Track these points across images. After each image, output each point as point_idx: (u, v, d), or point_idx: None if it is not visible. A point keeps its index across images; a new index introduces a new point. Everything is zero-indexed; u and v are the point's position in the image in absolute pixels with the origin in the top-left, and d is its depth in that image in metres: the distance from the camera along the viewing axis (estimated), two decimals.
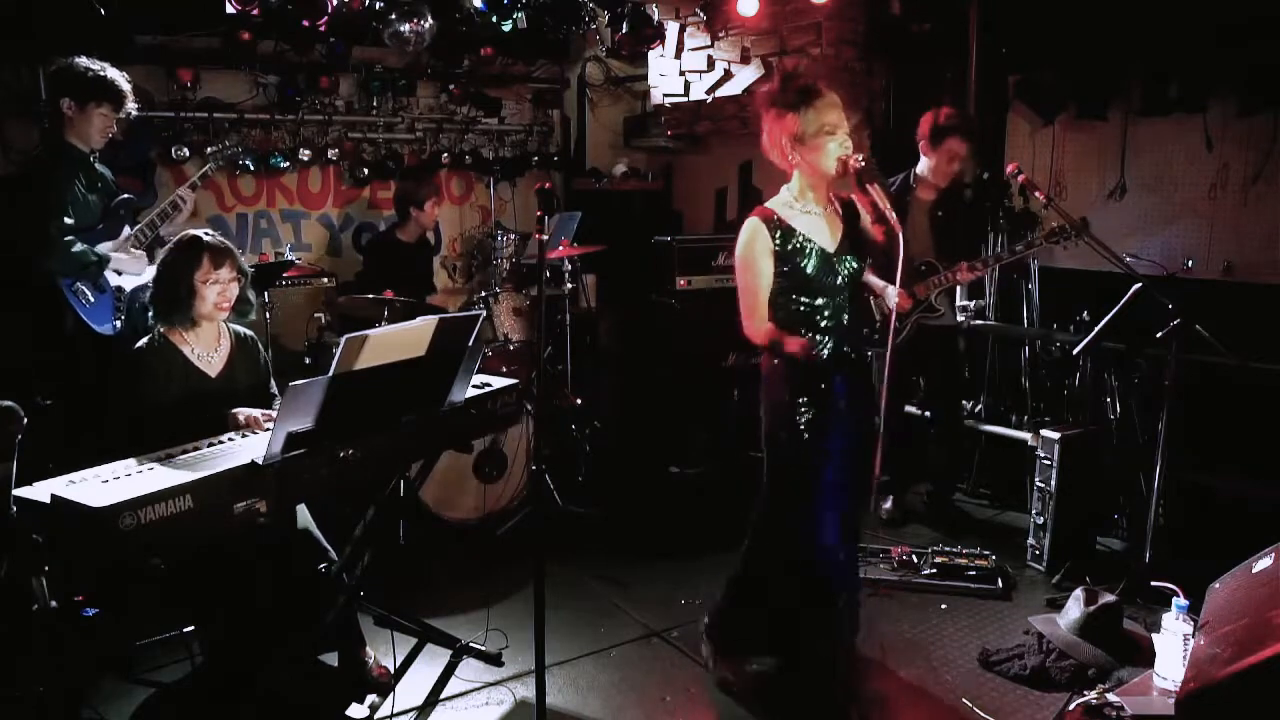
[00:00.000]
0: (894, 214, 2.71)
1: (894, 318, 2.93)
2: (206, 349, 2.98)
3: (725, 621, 3.18)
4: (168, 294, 2.89)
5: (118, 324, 3.67)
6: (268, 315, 4.53)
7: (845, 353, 2.92)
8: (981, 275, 4.34)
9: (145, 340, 2.91)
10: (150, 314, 2.94)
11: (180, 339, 2.93)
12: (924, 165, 4.29)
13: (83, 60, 3.59)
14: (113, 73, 3.64)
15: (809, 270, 2.84)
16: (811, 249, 2.85)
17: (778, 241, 2.83)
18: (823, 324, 2.88)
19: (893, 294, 4.11)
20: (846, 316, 2.93)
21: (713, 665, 3.19)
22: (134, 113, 3.82)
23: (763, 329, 2.87)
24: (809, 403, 2.86)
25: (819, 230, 2.89)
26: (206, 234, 2.96)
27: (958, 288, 4.88)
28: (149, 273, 3.81)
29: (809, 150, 2.79)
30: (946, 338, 4.43)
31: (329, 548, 3.00)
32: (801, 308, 2.87)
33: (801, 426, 2.86)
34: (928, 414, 4.69)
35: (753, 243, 2.84)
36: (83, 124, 3.61)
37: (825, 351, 2.88)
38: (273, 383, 3.16)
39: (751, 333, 2.90)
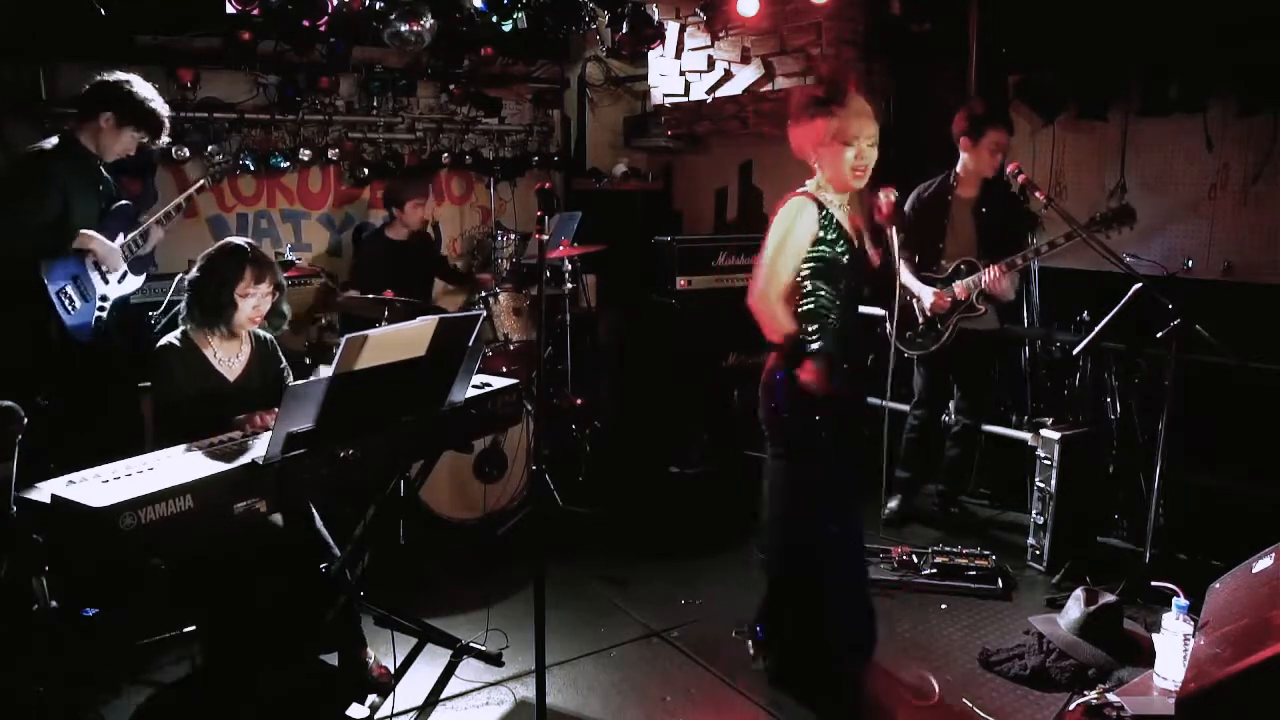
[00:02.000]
0: (896, 259, 2.76)
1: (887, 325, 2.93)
2: (229, 354, 3.00)
3: (765, 622, 3.19)
4: (209, 301, 2.89)
5: (91, 335, 3.65)
6: None
7: (840, 359, 2.90)
8: (1018, 270, 4.21)
9: (169, 338, 2.92)
10: (186, 312, 2.94)
11: (204, 341, 2.94)
12: (964, 162, 4.26)
13: (137, 84, 3.64)
14: (161, 105, 3.70)
15: (844, 259, 2.87)
16: (845, 237, 2.89)
17: (822, 224, 2.85)
18: (830, 319, 2.89)
19: (928, 295, 4.13)
20: (846, 320, 2.92)
21: (761, 665, 3.18)
22: (161, 145, 3.88)
23: (782, 322, 2.84)
24: (811, 409, 2.86)
25: (853, 228, 2.94)
26: (249, 244, 2.96)
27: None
28: (132, 282, 3.82)
29: (827, 156, 2.84)
30: (983, 342, 4.39)
31: (334, 546, 3.00)
32: (823, 296, 2.87)
33: (819, 432, 2.87)
34: (950, 416, 4.66)
35: (797, 220, 2.84)
36: (110, 138, 3.64)
37: (820, 348, 2.86)
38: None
39: (761, 309, 2.87)
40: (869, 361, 4.38)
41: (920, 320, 4.27)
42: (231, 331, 2.96)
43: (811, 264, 2.86)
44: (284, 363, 3.20)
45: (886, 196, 2.81)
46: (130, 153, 3.76)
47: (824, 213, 2.86)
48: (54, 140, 3.65)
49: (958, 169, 4.30)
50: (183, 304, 2.95)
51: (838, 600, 3.01)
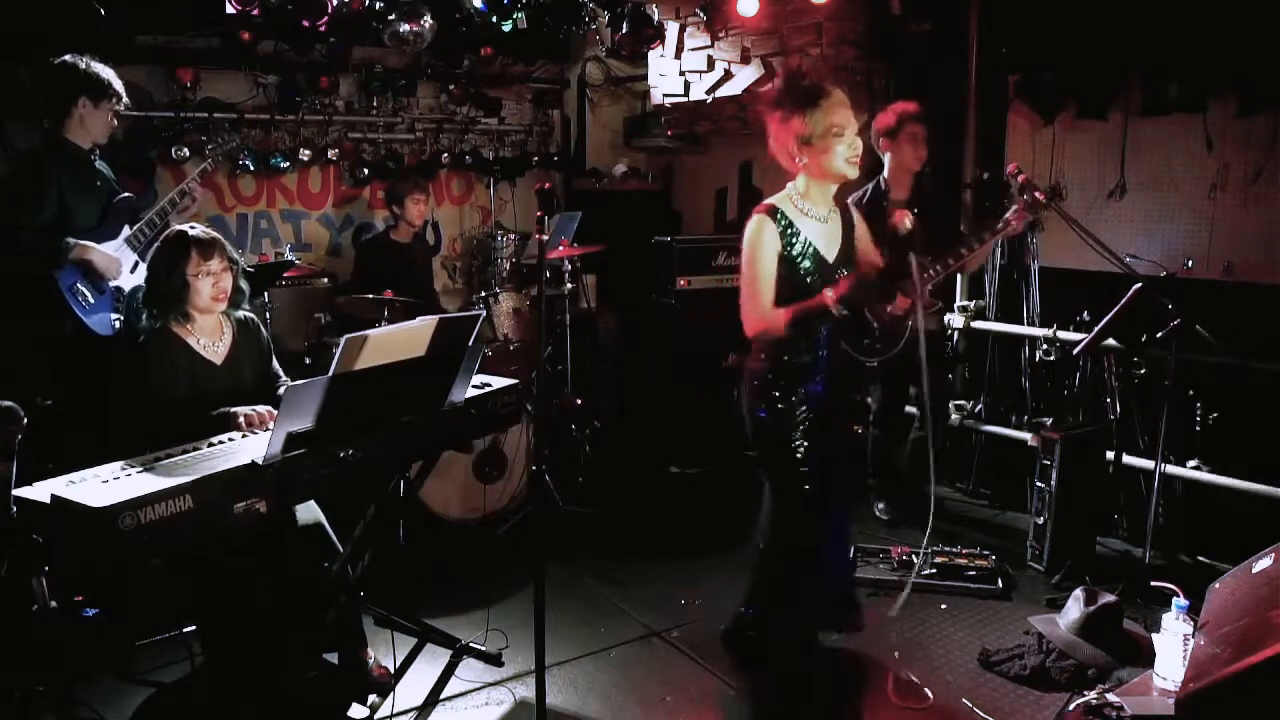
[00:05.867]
0: (919, 293, 2.69)
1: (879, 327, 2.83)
2: (210, 339, 2.98)
3: (746, 627, 3.17)
4: (160, 291, 2.89)
5: (115, 324, 3.67)
6: (267, 315, 4.53)
7: (824, 368, 2.88)
8: (976, 255, 4.26)
9: (147, 334, 2.91)
10: (145, 315, 2.94)
11: (184, 330, 2.92)
12: (889, 163, 4.30)
13: (84, 59, 3.63)
14: (108, 69, 3.71)
15: (805, 270, 2.81)
16: (810, 251, 2.83)
17: (783, 239, 2.79)
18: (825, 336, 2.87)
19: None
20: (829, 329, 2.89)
21: (734, 673, 3.17)
22: (129, 104, 3.88)
23: (771, 316, 2.80)
24: (795, 405, 2.86)
25: (818, 235, 2.86)
26: (192, 228, 2.96)
27: (957, 282, 4.87)
28: (144, 270, 3.81)
29: (816, 152, 2.75)
30: (932, 342, 4.41)
31: (340, 546, 3.00)
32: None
33: (795, 430, 2.86)
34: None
35: (759, 236, 2.80)
36: (93, 122, 3.65)
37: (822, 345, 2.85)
38: (275, 363, 3.16)
39: (753, 323, 2.84)
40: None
41: (876, 326, 4.25)
42: (199, 313, 2.93)
43: (782, 278, 2.82)
44: (267, 336, 3.19)
45: (903, 220, 2.76)
46: (115, 124, 3.77)
47: (783, 224, 2.80)
48: (42, 143, 3.65)
49: (885, 174, 4.31)
50: (142, 302, 2.95)
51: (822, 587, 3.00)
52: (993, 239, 4.10)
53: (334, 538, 3.01)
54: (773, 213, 2.82)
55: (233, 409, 2.78)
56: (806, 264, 2.82)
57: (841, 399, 2.99)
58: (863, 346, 4.29)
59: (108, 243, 3.65)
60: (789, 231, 2.80)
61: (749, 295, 2.84)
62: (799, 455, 2.89)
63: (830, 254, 2.87)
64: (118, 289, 3.69)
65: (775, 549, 3.07)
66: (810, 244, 2.83)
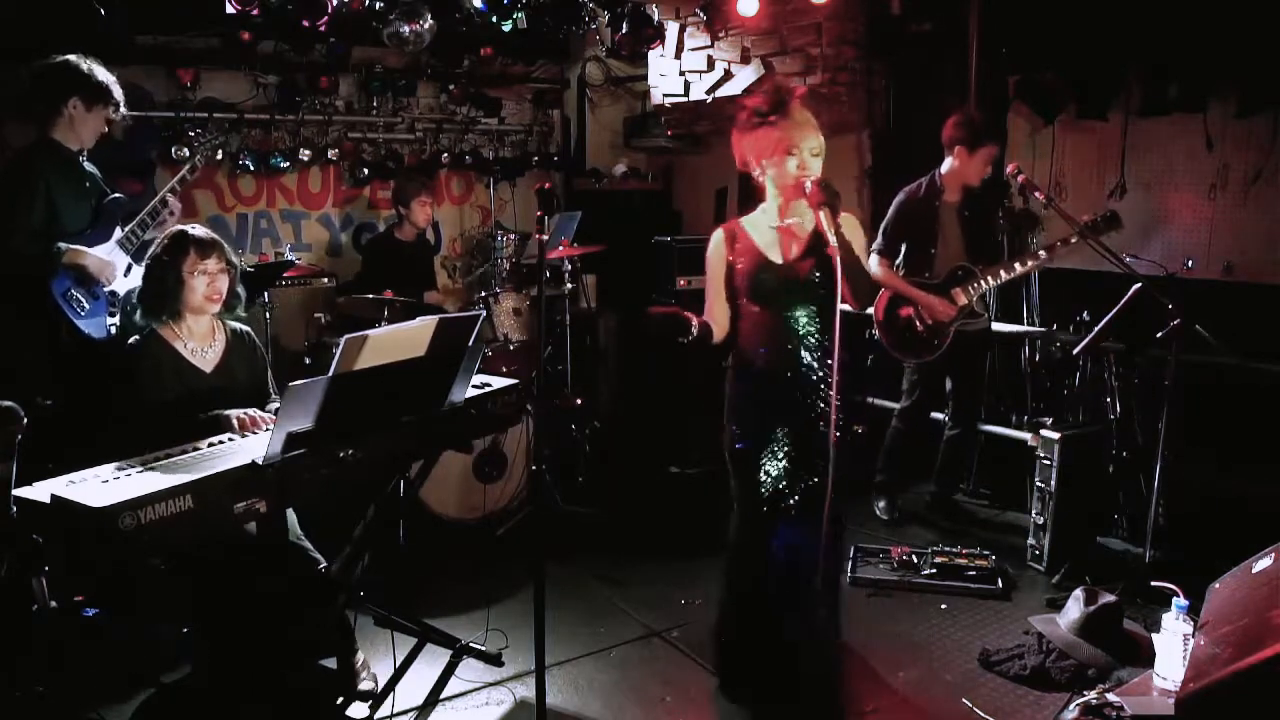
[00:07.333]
0: (835, 240, 2.66)
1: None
2: (200, 344, 2.96)
3: (724, 632, 3.16)
4: (155, 287, 2.87)
5: (112, 329, 3.65)
6: (268, 315, 4.53)
7: (810, 367, 2.86)
8: (1038, 268, 4.27)
9: (136, 338, 2.90)
10: (139, 312, 2.93)
11: (172, 334, 2.91)
12: (952, 167, 4.26)
13: (87, 61, 3.59)
14: (110, 75, 3.67)
15: (761, 281, 2.85)
16: (765, 263, 2.86)
17: (735, 253, 2.88)
18: (791, 336, 2.84)
19: (936, 303, 4.13)
20: (815, 333, 2.86)
21: (717, 673, 3.17)
22: (127, 116, 3.84)
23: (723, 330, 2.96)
24: (758, 418, 2.87)
25: (781, 243, 2.88)
26: (193, 228, 2.95)
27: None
28: (139, 273, 3.79)
29: (771, 165, 2.83)
30: (976, 343, 4.41)
31: (319, 557, 2.95)
32: (756, 318, 2.87)
33: (762, 453, 2.86)
34: (946, 416, 4.67)
35: (712, 252, 2.96)
36: (82, 125, 3.60)
37: (791, 363, 2.85)
38: (270, 381, 3.15)
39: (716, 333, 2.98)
40: (868, 363, 4.41)
41: (920, 328, 4.25)
42: (192, 312, 2.91)
43: (738, 288, 2.89)
44: (264, 352, 3.18)
45: (811, 184, 2.78)
46: (104, 130, 3.71)
47: (737, 241, 2.90)
48: (30, 144, 3.61)
49: (943, 172, 4.30)
50: (137, 312, 2.93)
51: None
52: (1051, 256, 4.10)
53: (311, 549, 2.96)
54: (730, 231, 2.93)
55: (225, 411, 2.77)
56: (762, 272, 2.86)
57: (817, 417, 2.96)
58: (908, 348, 4.33)
59: (100, 245, 3.60)
60: (742, 245, 2.90)
61: (705, 307, 3.00)
62: (760, 473, 2.87)
63: (789, 257, 2.88)
64: (112, 293, 3.67)
65: (733, 553, 3.04)
66: (766, 254, 2.87)
